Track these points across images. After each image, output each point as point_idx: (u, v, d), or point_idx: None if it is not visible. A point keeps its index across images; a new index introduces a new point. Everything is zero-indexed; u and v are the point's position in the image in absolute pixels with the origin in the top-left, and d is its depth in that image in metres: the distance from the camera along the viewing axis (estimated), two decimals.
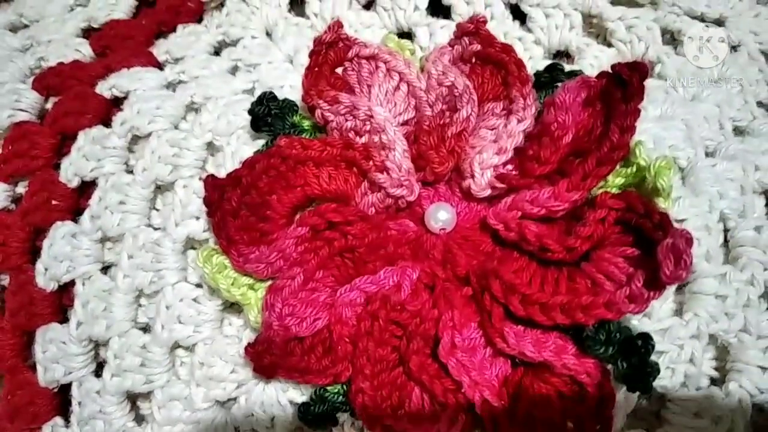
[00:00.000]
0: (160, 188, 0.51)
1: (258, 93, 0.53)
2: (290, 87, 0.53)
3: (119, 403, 0.46)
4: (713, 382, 0.43)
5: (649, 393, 0.40)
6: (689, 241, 0.36)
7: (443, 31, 0.56)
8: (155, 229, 0.49)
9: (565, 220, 0.42)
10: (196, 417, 0.45)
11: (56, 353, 0.48)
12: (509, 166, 0.44)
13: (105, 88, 0.55)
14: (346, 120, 0.46)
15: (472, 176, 0.44)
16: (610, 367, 0.39)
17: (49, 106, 0.57)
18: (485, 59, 0.47)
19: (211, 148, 0.51)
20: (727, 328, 0.42)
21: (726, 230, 0.45)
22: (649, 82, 0.46)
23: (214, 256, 0.44)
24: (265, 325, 0.42)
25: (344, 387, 0.42)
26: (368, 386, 0.40)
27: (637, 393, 0.40)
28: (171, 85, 0.56)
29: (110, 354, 0.47)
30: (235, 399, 0.45)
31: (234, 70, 0.57)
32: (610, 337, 0.38)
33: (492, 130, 0.45)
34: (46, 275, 0.49)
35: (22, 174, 0.53)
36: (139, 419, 0.48)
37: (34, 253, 0.51)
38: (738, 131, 0.50)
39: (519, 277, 0.41)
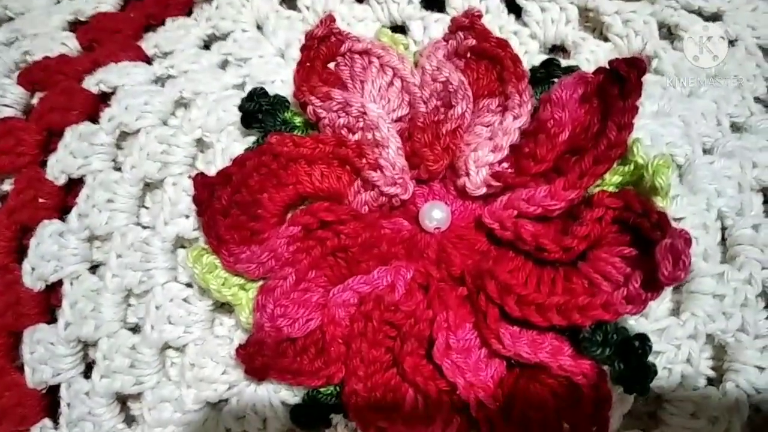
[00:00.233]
0: (149, 186, 0.50)
1: (248, 88, 0.52)
2: (281, 82, 0.53)
3: (108, 405, 0.46)
4: (710, 382, 0.42)
5: (647, 395, 0.39)
6: (688, 241, 0.35)
7: (437, 24, 0.55)
8: (144, 227, 0.48)
9: (562, 219, 0.42)
10: (186, 419, 0.44)
11: (44, 354, 0.47)
12: (505, 164, 0.43)
13: (92, 83, 0.54)
14: (339, 117, 0.45)
15: (467, 174, 0.43)
16: (606, 367, 0.39)
17: (35, 101, 0.56)
18: (480, 54, 0.47)
19: (200, 144, 0.50)
20: (724, 327, 0.42)
21: (723, 228, 0.45)
22: (646, 78, 0.45)
23: (204, 256, 0.44)
24: (257, 326, 0.41)
25: (337, 388, 0.41)
26: (362, 388, 0.40)
27: (634, 394, 0.40)
28: (160, 80, 0.55)
29: (99, 355, 0.46)
30: (226, 400, 0.44)
31: (224, 65, 0.56)
32: (607, 338, 0.38)
33: (487, 126, 0.45)
34: (33, 275, 0.48)
35: (7, 171, 0.52)
36: (129, 420, 0.47)
37: (21, 252, 0.50)
38: (735, 127, 0.50)
39: (515, 278, 0.40)
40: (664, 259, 0.35)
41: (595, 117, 0.42)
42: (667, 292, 0.43)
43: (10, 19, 0.62)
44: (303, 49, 0.47)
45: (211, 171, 0.47)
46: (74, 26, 0.61)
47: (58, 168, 0.50)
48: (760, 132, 0.49)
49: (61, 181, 0.50)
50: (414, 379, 0.40)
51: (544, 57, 0.53)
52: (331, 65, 0.48)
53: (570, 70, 0.46)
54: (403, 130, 0.46)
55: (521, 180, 0.42)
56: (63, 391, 0.46)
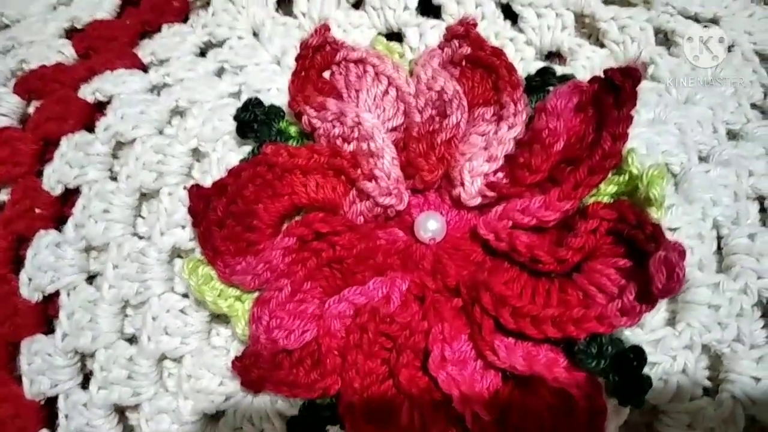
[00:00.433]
0: (145, 196, 0.50)
1: (244, 96, 0.52)
2: (277, 90, 0.52)
3: (106, 416, 0.46)
4: (706, 392, 0.42)
5: (642, 407, 0.39)
6: (682, 254, 0.35)
7: (433, 31, 0.55)
8: (140, 238, 0.48)
9: (557, 229, 0.42)
10: (184, 430, 0.44)
11: (42, 365, 0.47)
12: (500, 174, 0.43)
13: (88, 92, 0.54)
14: (334, 126, 0.45)
15: (462, 184, 0.43)
16: (602, 379, 0.39)
17: (31, 110, 0.55)
18: (476, 63, 0.47)
19: (196, 154, 0.50)
20: (720, 338, 0.41)
21: (719, 237, 0.45)
22: (642, 85, 0.45)
23: (199, 267, 0.44)
24: (253, 338, 0.42)
25: (334, 400, 0.41)
26: (358, 399, 0.40)
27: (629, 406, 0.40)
28: (155, 89, 0.55)
29: (97, 366, 0.46)
30: (223, 412, 0.44)
31: (220, 72, 0.55)
32: (602, 350, 0.38)
33: (482, 136, 0.45)
34: (30, 286, 0.48)
35: (3, 181, 0.52)
36: (128, 430, 0.47)
37: (18, 263, 0.50)
38: (732, 135, 0.49)
39: (510, 289, 0.40)
40: (657, 272, 0.35)
41: (590, 126, 0.42)
42: (663, 303, 0.43)
43: (6, 26, 0.62)
44: (298, 58, 0.47)
45: (207, 180, 0.47)
46: (70, 33, 0.60)
47: (54, 178, 0.51)
48: (757, 139, 0.48)
49: (58, 191, 0.50)
50: (410, 391, 0.40)
51: (541, 63, 0.53)
52: (327, 74, 0.48)
53: (565, 78, 0.46)
54: (399, 140, 0.46)
55: (516, 190, 0.42)
56: (61, 403, 0.47)
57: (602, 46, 0.55)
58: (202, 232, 0.44)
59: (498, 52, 0.46)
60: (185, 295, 0.46)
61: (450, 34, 0.48)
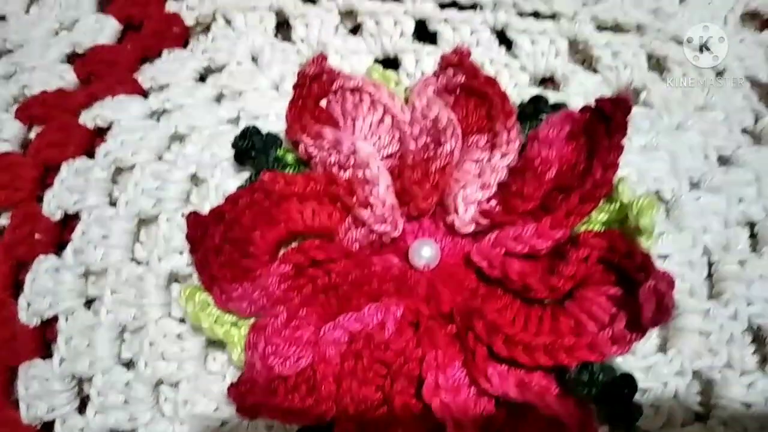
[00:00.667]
0: (144, 221, 0.50)
1: (243, 122, 0.53)
2: (276, 115, 0.53)
3: None
4: (698, 417, 0.43)
5: None
6: (671, 284, 0.36)
7: (429, 57, 0.56)
8: (138, 263, 0.49)
9: (549, 257, 0.42)
10: None
11: (39, 390, 0.47)
12: (493, 202, 0.44)
13: (89, 117, 0.55)
14: (330, 154, 0.45)
15: (456, 212, 0.44)
16: (594, 406, 0.39)
17: (32, 135, 0.56)
18: (469, 91, 0.47)
19: (195, 180, 0.51)
20: (710, 364, 0.42)
21: (710, 264, 0.45)
22: (633, 112, 0.46)
23: (196, 294, 0.44)
24: (248, 365, 0.42)
25: (329, 427, 0.41)
26: (353, 426, 0.40)
27: None
28: (155, 114, 0.55)
29: (94, 391, 0.46)
30: None
31: (219, 98, 0.57)
32: (593, 378, 0.38)
33: (476, 163, 0.45)
34: (29, 310, 0.49)
35: (4, 206, 0.53)
36: None
37: (17, 288, 0.50)
38: (723, 160, 0.50)
39: (502, 317, 0.40)
40: (647, 302, 0.35)
41: (582, 155, 0.43)
42: (654, 329, 0.43)
43: (9, 51, 0.63)
44: (295, 87, 0.47)
45: (206, 206, 0.48)
46: (72, 58, 0.61)
47: (54, 204, 0.51)
48: (747, 165, 0.49)
49: (57, 216, 0.51)
50: (404, 418, 0.40)
51: (535, 89, 0.54)
52: (323, 102, 0.49)
53: (557, 107, 0.47)
54: (394, 167, 0.47)
55: (509, 218, 0.43)
56: (58, 427, 0.47)
57: (595, 71, 0.56)
58: (199, 259, 0.45)
59: (491, 81, 0.46)
60: (182, 321, 0.47)
61: (444, 63, 0.48)
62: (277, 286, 0.43)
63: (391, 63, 0.58)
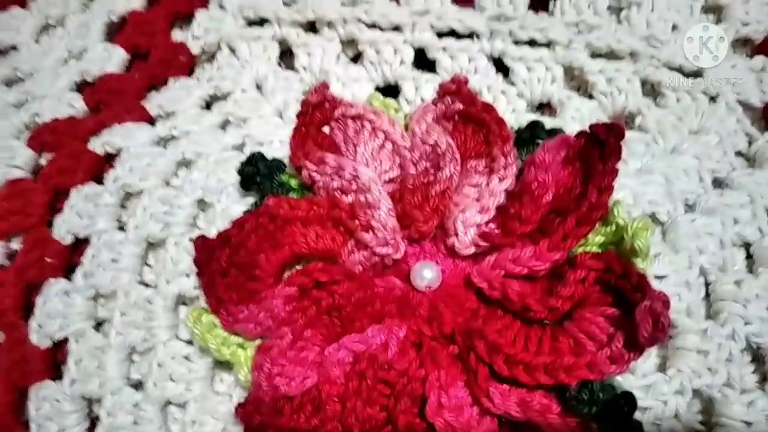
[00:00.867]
0: (152, 245, 0.52)
1: (248, 148, 0.55)
2: (279, 142, 0.54)
3: None
4: None
5: None
6: (667, 303, 0.37)
7: (428, 84, 0.57)
8: (147, 286, 0.50)
9: (547, 278, 0.43)
10: None
11: (50, 411, 0.48)
12: (492, 225, 0.45)
13: (98, 144, 0.56)
14: (333, 180, 0.47)
15: (456, 234, 0.45)
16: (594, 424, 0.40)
17: (43, 162, 0.58)
18: (467, 118, 0.49)
19: (201, 204, 0.52)
20: (710, 383, 0.43)
21: (707, 284, 0.46)
22: (629, 135, 0.47)
23: (203, 316, 0.45)
24: (255, 385, 0.43)
25: None
26: None
27: None
28: (162, 141, 0.57)
29: (103, 412, 0.47)
30: None
31: (225, 125, 0.58)
32: (593, 396, 0.39)
33: (475, 187, 0.47)
34: (40, 332, 0.50)
35: (16, 231, 0.54)
36: None
37: (28, 310, 0.51)
38: (717, 183, 0.51)
39: (503, 337, 0.41)
40: (643, 322, 0.36)
41: (578, 179, 0.44)
42: (653, 349, 0.44)
43: (20, 80, 0.65)
44: (298, 115, 0.49)
45: (212, 230, 0.49)
46: (81, 87, 0.63)
47: (64, 228, 0.52)
48: (742, 187, 0.50)
49: (68, 240, 0.52)
50: None
51: (532, 115, 0.55)
52: (326, 129, 0.50)
53: (553, 132, 0.48)
54: (395, 192, 0.48)
55: (508, 240, 0.44)
56: None
57: (591, 97, 0.57)
58: (206, 281, 0.46)
59: (488, 108, 0.48)
60: (190, 342, 0.48)
61: (443, 91, 0.50)
62: (282, 307, 0.44)
63: (391, 90, 0.59)
